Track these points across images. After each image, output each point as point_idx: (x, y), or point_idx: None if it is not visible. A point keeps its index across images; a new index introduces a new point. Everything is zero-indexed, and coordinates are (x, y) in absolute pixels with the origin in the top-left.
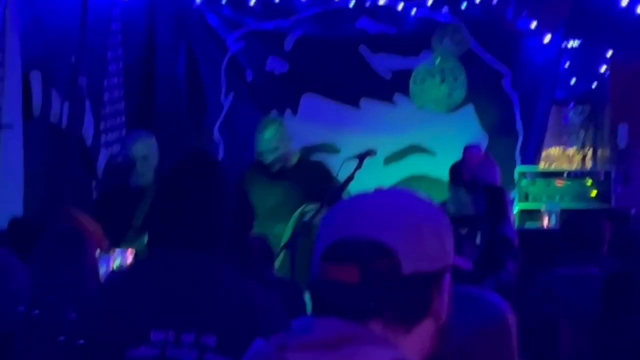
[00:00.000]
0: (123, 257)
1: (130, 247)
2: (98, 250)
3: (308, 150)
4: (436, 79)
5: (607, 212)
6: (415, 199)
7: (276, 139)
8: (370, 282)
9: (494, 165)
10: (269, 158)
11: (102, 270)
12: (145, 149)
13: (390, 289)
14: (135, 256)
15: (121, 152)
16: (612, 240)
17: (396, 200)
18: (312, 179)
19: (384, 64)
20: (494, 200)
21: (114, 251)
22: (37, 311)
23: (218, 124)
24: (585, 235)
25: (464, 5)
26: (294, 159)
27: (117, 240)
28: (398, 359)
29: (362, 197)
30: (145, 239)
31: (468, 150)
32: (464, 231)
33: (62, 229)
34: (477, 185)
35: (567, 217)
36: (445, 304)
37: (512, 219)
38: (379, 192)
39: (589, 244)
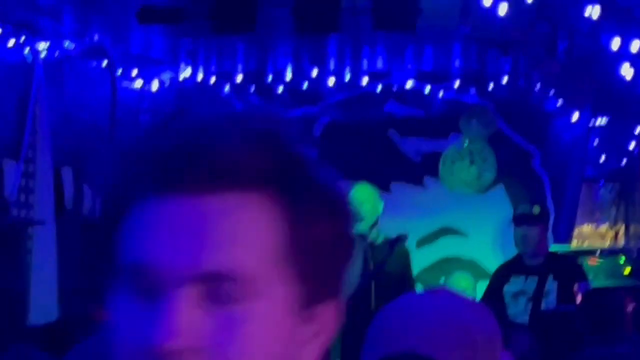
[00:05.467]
0: None
1: None
2: None
3: None
4: (465, 161)
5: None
6: (468, 307)
7: None
8: None
9: None
10: None
11: None
12: None
13: None
14: None
15: None
16: None
17: (450, 310)
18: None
19: (413, 147)
20: None
21: None
22: None
23: None
24: (608, 313)
25: (490, 87)
26: None
27: None
28: None
29: (415, 303)
30: None
31: None
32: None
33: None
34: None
35: (589, 296)
36: None
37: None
38: (430, 298)
39: (612, 323)
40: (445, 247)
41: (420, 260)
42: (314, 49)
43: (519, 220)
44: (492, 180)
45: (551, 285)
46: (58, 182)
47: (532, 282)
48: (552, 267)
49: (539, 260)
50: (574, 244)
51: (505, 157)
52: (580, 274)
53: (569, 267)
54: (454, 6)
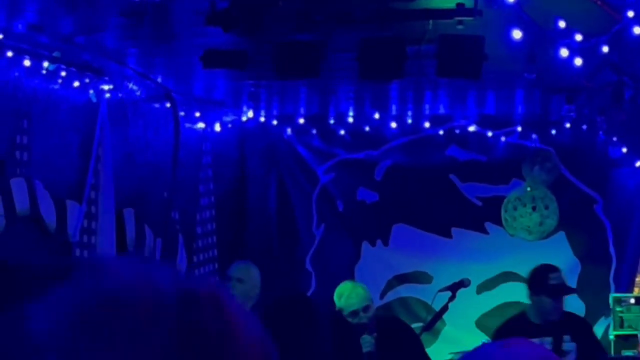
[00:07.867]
0: None
1: None
2: None
3: (400, 279)
4: (527, 208)
5: None
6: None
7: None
8: None
9: None
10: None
11: None
12: (242, 273)
13: None
14: None
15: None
16: None
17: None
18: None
19: (474, 192)
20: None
21: None
22: None
23: (310, 254)
24: None
25: (553, 132)
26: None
27: None
28: None
29: (492, 355)
30: None
31: None
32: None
33: None
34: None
35: None
36: None
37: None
38: (505, 351)
39: None
40: (505, 293)
41: (480, 305)
42: (376, 92)
43: (556, 291)
44: (554, 227)
45: (569, 345)
46: (120, 224)
47: (547, 344)
48: (567, 327)
49: (551, 319)
50: (636, 292)
51: (568, 203)
52: (593, 335)
53: (583, 327)
54: (520, 53)
